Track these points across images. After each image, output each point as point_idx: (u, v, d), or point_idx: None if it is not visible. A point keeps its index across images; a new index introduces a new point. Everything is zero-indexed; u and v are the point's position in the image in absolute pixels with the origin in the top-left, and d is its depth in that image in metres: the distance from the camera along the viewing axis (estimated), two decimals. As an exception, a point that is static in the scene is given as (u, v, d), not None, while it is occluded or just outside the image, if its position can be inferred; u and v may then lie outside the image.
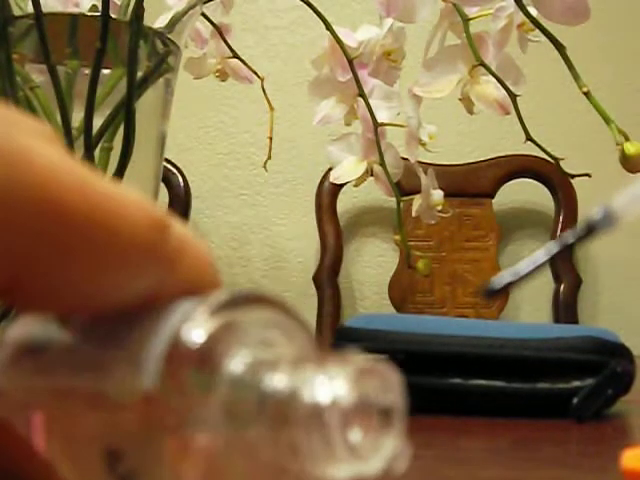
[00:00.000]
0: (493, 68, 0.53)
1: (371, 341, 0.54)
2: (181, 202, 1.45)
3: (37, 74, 0.46)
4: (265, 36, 1.60)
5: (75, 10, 0.50)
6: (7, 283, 0.15)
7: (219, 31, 0.62)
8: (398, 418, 0.15)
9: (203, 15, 0.59)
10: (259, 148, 1.53)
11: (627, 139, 0.46)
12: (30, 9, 0.42)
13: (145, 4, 0.44)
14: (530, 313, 1.51)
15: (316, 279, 1.46)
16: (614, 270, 1.54)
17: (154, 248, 0.16)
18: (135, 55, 0.44)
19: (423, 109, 0.58)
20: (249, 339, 0.16)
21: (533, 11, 0.48)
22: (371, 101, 0.57)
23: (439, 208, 0.62)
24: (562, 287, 1.44)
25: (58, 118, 0.44)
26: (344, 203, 1.54)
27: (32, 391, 0.18)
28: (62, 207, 0.14)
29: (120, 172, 0.43)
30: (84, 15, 0.49)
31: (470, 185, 1.47)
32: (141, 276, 0.16)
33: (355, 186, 0.62)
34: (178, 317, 0.16)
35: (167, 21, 0.50)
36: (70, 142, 0.43)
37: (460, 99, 0.56)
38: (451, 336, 0.54)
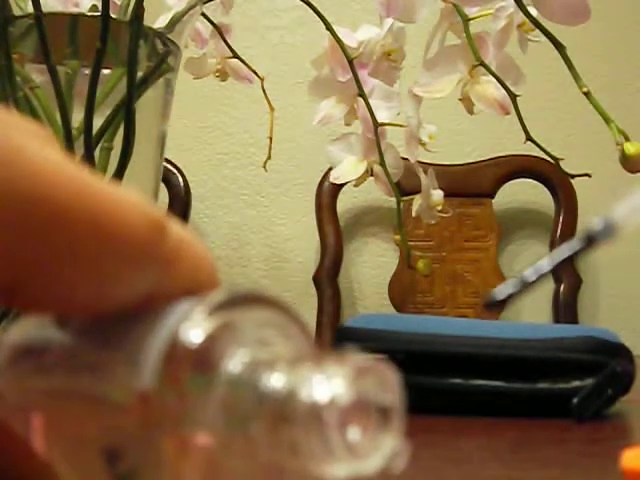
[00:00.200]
0: (493, 68, 0.53)
1: (371, 341, 0.54)
2: (181, 202, 1.45)
3: (37, 74, 0.46)
4: (265, 36, 1.60)
5: (75, 10, 0.50)
6: (5, 284, 0.15)
7: (219, 31, 0.62)
8: (396, 417, 0.15)
9: (203, 15, 0.59)
10: (259, 148, 1.53)
11: (627, 139, 0.46)
12: (30, 9, 0.43)
13: (145, 4, 0.44)
14: (530, 313, 1.51)
15: (316, 279, 1.46)
16: (614, 270, 1.54)
17: (152, 249, 0.16)
18: (135, 55, 0.44)
19: (423, 109, 0.58)
20: (247, 339, 0.16)
21: (533, 11, 0.48)
22: (371, 101, 0.57)
23: (439, 208, 0.62)
24: (562, 287, 1.44)
25: (58, 118, 0.44)
26: (344, 203, 1.54)
27: (31, 392, 0.18)
28: (59, 208, 0.14)
29: (120, 172, 0.44)
30: (84, 15, 0.50)
31: (470, 185, 1.47)
32: (139, 277, 0.16)
33: (355, 186, 0.62)
34: (176, 317, 0.16)
35: (167, 21, 0.50)
36: (70, 142, 0.43)
37: (460, 99, 0.56)
38: (451, 336, 0.54)
